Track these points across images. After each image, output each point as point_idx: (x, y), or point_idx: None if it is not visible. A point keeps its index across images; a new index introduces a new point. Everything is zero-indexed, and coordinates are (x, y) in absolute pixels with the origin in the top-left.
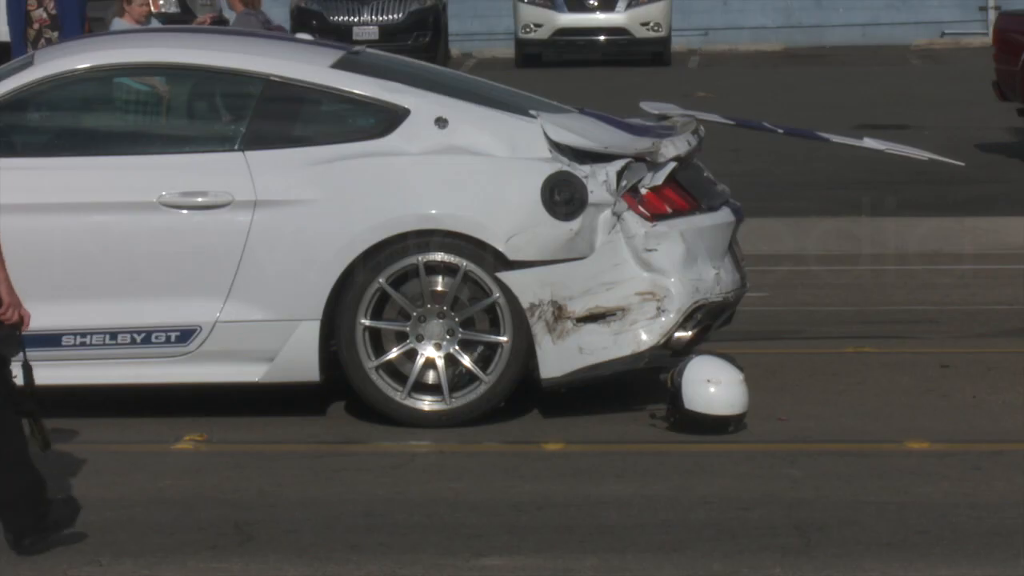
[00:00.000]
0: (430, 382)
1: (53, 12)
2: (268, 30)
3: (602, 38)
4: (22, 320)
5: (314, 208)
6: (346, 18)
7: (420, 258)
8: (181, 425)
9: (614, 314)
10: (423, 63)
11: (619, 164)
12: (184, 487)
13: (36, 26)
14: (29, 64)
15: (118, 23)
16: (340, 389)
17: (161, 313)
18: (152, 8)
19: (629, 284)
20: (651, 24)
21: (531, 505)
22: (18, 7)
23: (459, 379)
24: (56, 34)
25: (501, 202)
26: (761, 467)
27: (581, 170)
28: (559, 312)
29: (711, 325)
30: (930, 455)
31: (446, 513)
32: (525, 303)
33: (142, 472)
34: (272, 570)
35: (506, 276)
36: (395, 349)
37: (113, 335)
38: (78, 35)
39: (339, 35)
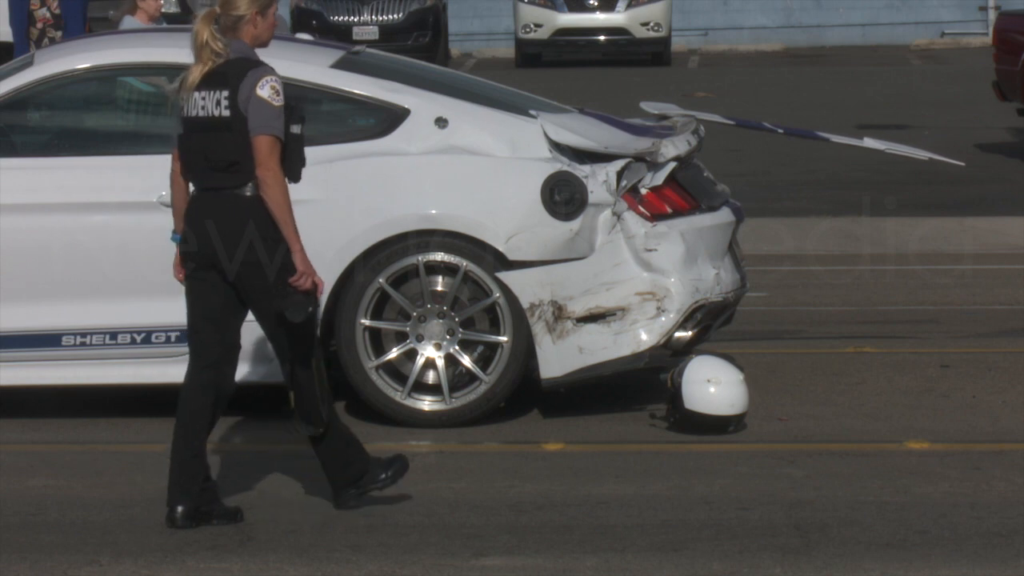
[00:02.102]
0: (430, 382)
1: (56, 11)
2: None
3: (602, 38)
4: (315, 287)
5: (314, 208)
6: (346, 18)
7: (420, 258)
8: None
9: (614, 314)
10: (423, 63)
11: (619, 164)
12: None
13: (39, 25)
14: (29, 64)
15: (129, 21)
16: (340, 389)
17: (161, 313)
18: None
19: (629, 284)
20: (651, 24)
21: (531, 505)
22: (21, 6)
23: (459, 379)
24: (60, 33)
25: (501, 202)
26: (761, 467)
27: (581, 170)
28: (559, 312)
29: (711, 325)
30: (930, 455)
31: (446, 513)
32: (525, 303)
33: (142, 472)
34: (272, 570)
35: (506, 276)
36: (395, 349)
37: (113, 335)
38: (80, 34)
39: (339, 35)
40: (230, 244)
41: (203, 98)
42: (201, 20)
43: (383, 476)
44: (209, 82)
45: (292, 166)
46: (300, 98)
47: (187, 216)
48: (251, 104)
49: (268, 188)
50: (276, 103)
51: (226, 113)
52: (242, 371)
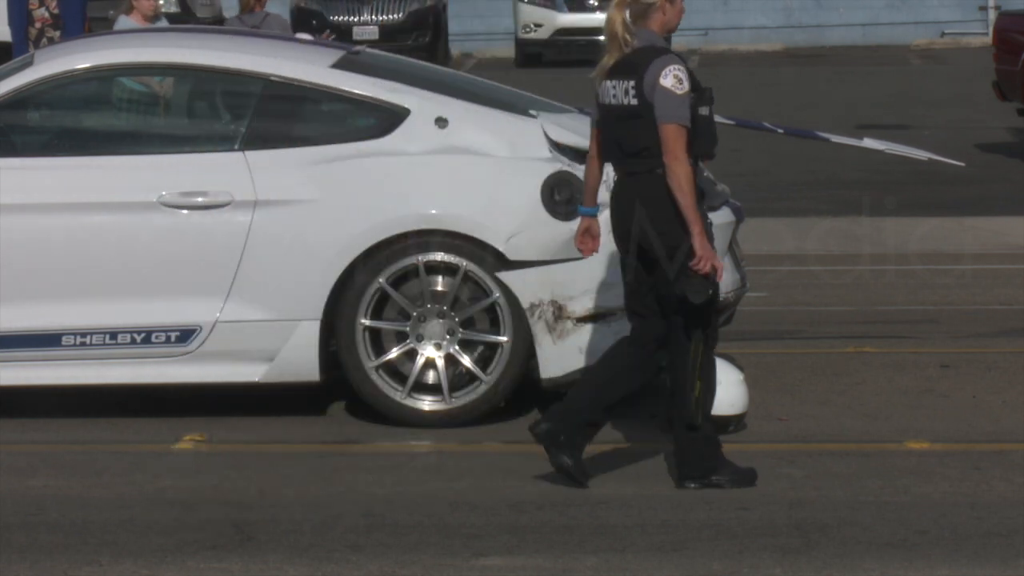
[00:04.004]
0: (430, 382)
1: (55, 11)
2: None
3: (602, 38)
4: (715, 271)
5: (314, 208)
6: (346, 18)
7: (420, 258)
8: (181, 425)
9: (614, 314)
10: (423, 63)
11: None
12: (184, 487)
13: (38, 25)
14: (29, 64)
15: (124, 21)
16: (340, 389)
17: (161, 313)
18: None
19: None
20: None
21: (531, 505)
22: (20, 6)
23: (459, 379)
24: (58, 33)
25: (501, 202)
26: (761, 467)
27: (581, 170)
28: (559, 312)
29: None
30: (930, 455)
31: (446, 513)
32: (525, 303)
33: (142, 472)
34: (272, 570)
35: (506, 276)
36: (395, 349)
37: (113, 335)
38: (79, 34)
39: (339, 35)
40: (646, 223)
41: (614, 87)
42: (615, 7)
43: (728, 479)
44: (619, 71)
45: (704, 146)
46: (300, 98)
47: (611, 198)
48: (656, 93)
49: (672, 174)
50: (679, 91)
51: (634, 102)
52: (241, 372)
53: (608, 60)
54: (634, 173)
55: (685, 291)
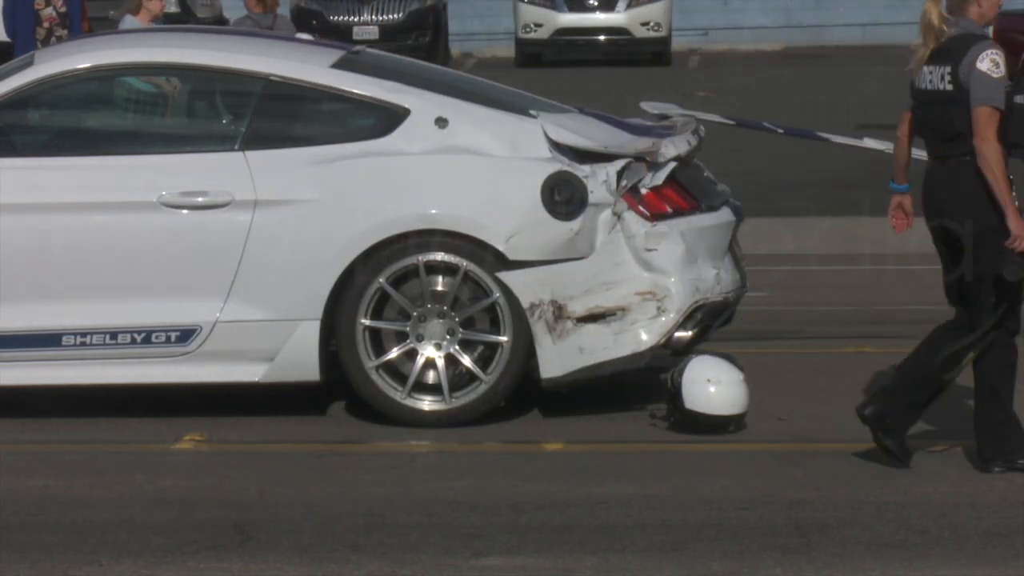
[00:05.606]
0: (430, 382)
1: (62, 10)
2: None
3: (602, 38)
4: None
5: (314, 208)
6: (346, 18)
7: (420, 258)
8: (181, 425)
9: (614, 314)
10: (423, 63)
11: (619, 164)
12: (184, 487)
13: (46, 25)
14: (29, 64)
15: (130, 21)
16: (340, 389)
17: (161, 313)
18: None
19: (629, 284)
20: (651, 24)
21: (531, 505)
22: (26, 6)
23: (459, 379)
24: (66, 32)
25: (501, 202)
26: (761, 467)
27: (581, 170)
28: (559, 312)
29: (711, 325)
30: (930, 455)
31: (446, 513)
32: (525, 303)
33: (142, 472)
34: (272, 570)
35: (506, 276)
36: (395, 349)
37: (113, 335)
38: (80, 34)
39: (339, 35)
40: (955, 208)
41: (931, 72)
42: (930, 1)
43: None
44: (937, 58)
45: (1018, 135)
46: (300, 98)
47: (923, 183)
48: (972, 77)
49: (981, 156)
50: (995, 75)
51: (949, 87)
52: (241, 372)
53: (924, 51)
54: (945, 158)
55: (1001, 269)
